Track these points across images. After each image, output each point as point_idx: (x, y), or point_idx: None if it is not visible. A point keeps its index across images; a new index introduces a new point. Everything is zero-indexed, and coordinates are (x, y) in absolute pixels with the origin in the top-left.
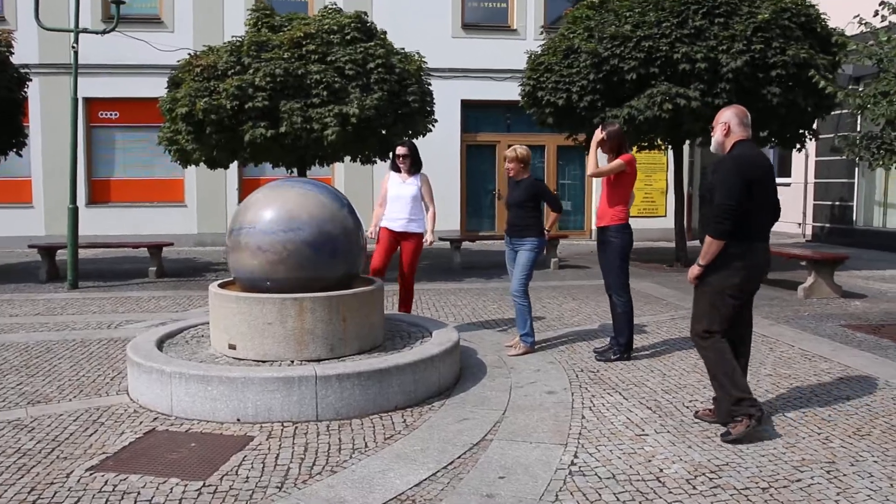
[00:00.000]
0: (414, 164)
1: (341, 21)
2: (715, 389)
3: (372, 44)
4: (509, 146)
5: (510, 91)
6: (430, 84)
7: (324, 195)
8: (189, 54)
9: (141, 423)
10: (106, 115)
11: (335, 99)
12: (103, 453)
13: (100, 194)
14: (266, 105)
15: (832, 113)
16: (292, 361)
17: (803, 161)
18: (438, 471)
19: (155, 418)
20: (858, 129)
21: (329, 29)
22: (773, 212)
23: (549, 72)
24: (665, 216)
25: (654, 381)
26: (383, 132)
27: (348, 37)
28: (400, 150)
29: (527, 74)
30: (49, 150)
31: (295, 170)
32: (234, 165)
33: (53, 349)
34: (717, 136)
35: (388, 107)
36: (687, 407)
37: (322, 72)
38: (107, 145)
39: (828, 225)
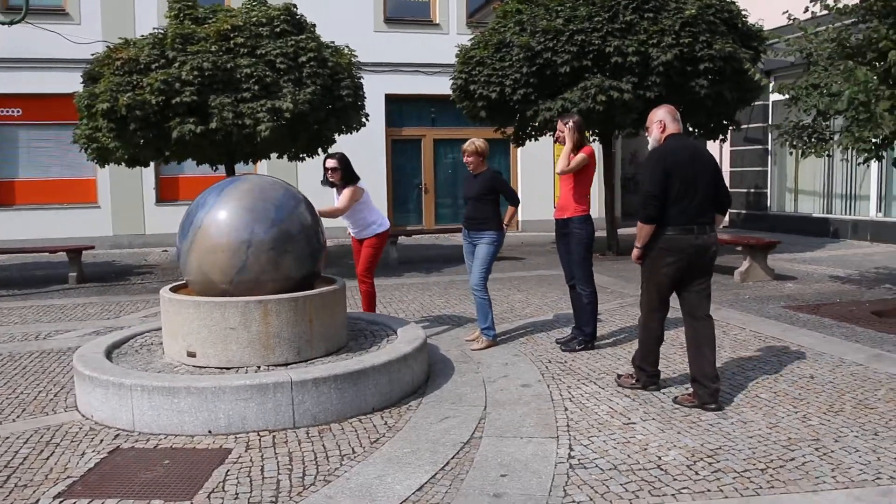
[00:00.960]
0: (345, 177)
1: (270, 13)
2: (635, 356)
3: (303, 37)
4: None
5: (434, 85)
6: (361, 78)
7: (280, 192)
8: (108, 46)
9: (101, 441)
10: (7, 111)
11: (267, 93)
12: (68, 477)
13: (3, 196)
14: (194, 100)
15: (752, 104)
16: (258, 367)
17: (717, 151)
18: (436, 473)
19: (116, 435)
20: (786, 118)
21: (258, 21)
22: (707, 200)
23: (481, 65)
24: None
25: (623, 369)
26: (315, 128)
27: (277, 29)
28: (329, 163)
29: (458, 68)
30: None
31: (220, 167)
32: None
33: None
34: (654, 133)
35: (321, 101)
36: (664, 393)
37: (252, 65)
38: (9, 144)
39: (744, 211)
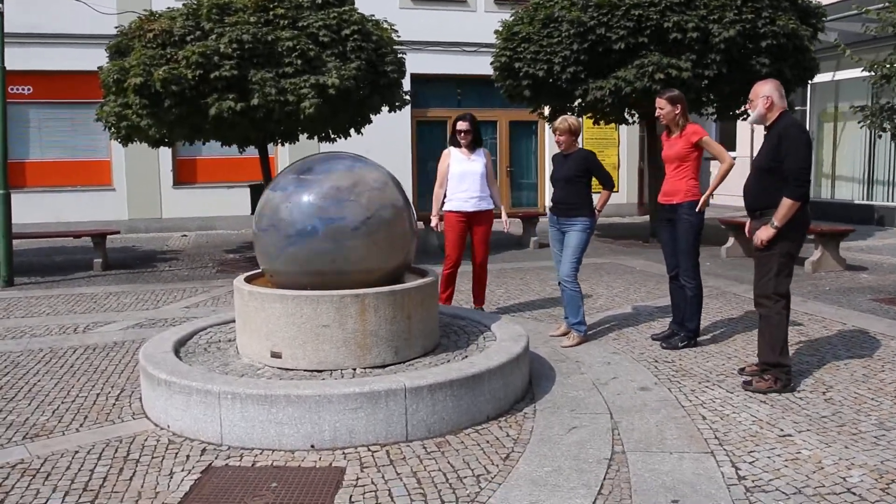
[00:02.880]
0: (476, 139)
1: None
2: (761, 349)
3: (345, 8)
4: (457, 119)
5: (461, 65)
6: (404, 54)
7: (371, 171)
8: (139, 17)
9: (188, 457)
10: (17, 89)
11: (310, 68)
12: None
13: (13, 178)
14: (234, 74)
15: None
16: (354, 370)
17: (749, 135)
18: (595, 499)
19: (203, 450)
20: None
21: None
22: None
23: (527, 42)
24: (617, 192)
25: (736, 368)
26: (355, 106)
27: (319, 0)
28: (461, 125)
29: (500, 45)
30: None
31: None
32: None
33: (21, 363)
34: (758, 109)
35: (365, 77)
36: (800, 398)
37: (295, 38)
38: (20, 123)
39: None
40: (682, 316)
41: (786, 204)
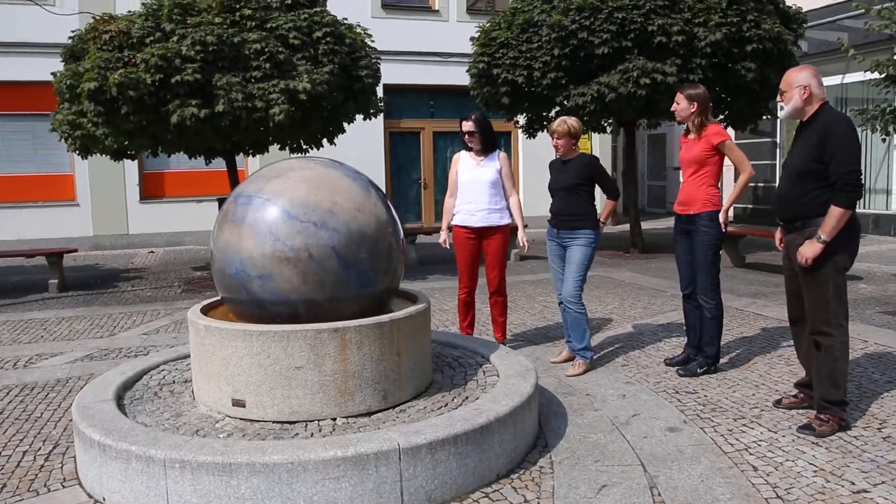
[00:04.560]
0: (486, 142)
1: None
2: (820, 385)
3: (317, 10)
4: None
5: (434, 75)
6: (378, 59)
7: (346, 178)
8: (94, 17)
9: None
10: None
11: (280, 72)
12: None
13: None
14: (197, 79)
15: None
16: (335, 419)
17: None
18: None
19: None
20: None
21: None
22: None
23: (505, 47)
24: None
25: (773, 398)
26: (327, 113)
27: (289, 1)
28: (466, 125)
29: (478, 51)
30: None
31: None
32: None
33: None
34: (794, 101)
35: (338, 82)
36: (855, 437)
37: (263, 40)
38: None
39: (750, 206)
40: (699, 339)
41: (835, 214)
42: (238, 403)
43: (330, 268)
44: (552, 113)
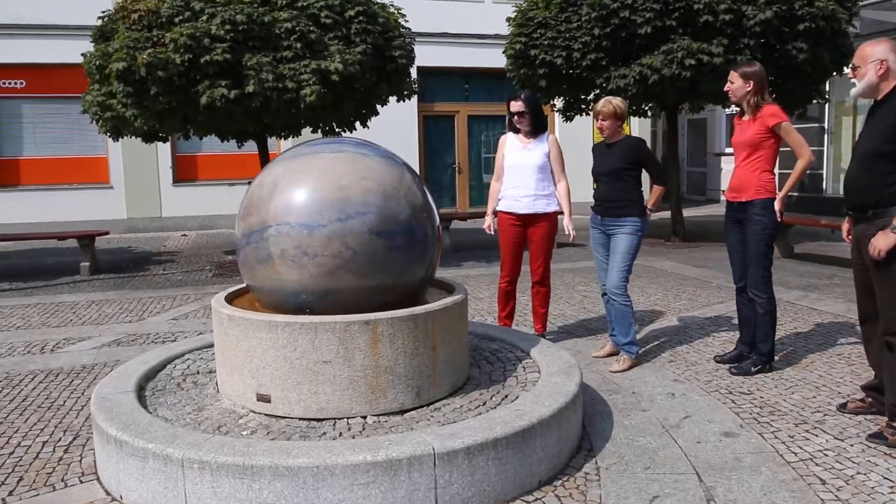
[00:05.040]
0: (536, 123)
1: None
2: (889, 389)
3: None
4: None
5: (468, 57)
6: (412, 40)
7: (383, 160)
8: None
9: None
10: (9, 83)
11: (311, 52)
12: None
13: (7, 176)
14: (227, 59)
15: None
16: (364, 417)
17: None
18: None
19: None
20: None
21: None
22: None
23: (543, 27)
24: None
25: (836, 401)
26: (360, 95)
27: None
28: (515, 105)
29: (514, 32)
30: None
31: (245, 143)
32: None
33: None
34: (869, 77)
35: (371, 63)
36: None
37: (294, 19)
38: (12, 119)
39: (796, 193)
40: (752, 335)
41: None
42: (263, 398)
43: (360, 256)
44: (591, 96)
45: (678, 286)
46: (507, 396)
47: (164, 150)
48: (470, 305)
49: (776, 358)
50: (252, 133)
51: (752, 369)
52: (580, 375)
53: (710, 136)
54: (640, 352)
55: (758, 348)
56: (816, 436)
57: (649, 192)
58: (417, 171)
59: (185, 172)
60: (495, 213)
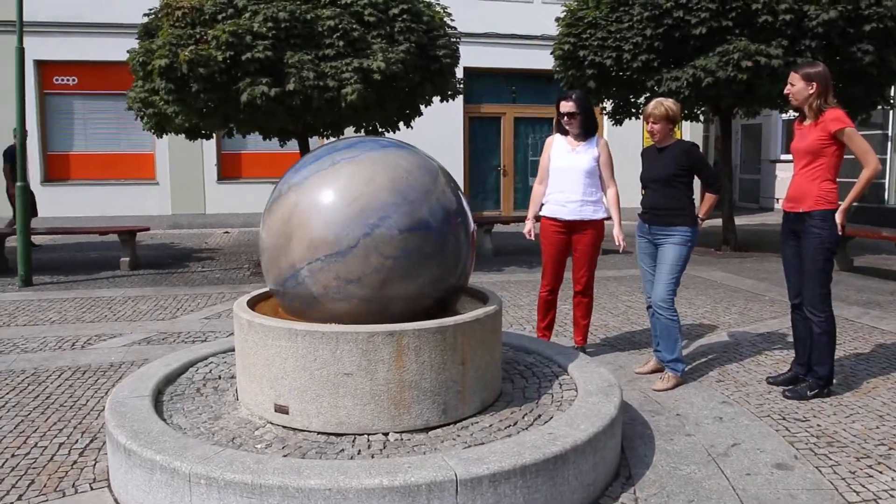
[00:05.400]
0: (586, 125)
1: None
2: None
3: None
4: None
5: (515, 58)
6: (458, 39)
7: (412, 161)
8: None
9: None
10: (62, 80)
11: (353, 51)
12: None
13: (57, 171)
14: (268, 56)
15: None
16: (386, 434)
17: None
18: None
19: None
20: None
21: None
22: None
23: (593, 27)
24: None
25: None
26: (404, 94)
27: None
28: (565, 105)
29: (563, 32)
30: None
31: (288, 143)
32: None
33: None
34: None
35: (415, 62)
36: None
37: (337, 17)
38: (64, 115)
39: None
40: (808, 355)
41: None
42: (281, 409)
43: (388, 262)
44: (641, 99)
45: (728, 298)
46: (539, 416)
47: (209, 147)
48: (509, 313)
49: (834, 382)
50: (294, 132)
51: (808, 393)
52: (620, 396)
53: (765, 141)
54: (686, 369)
55: (814, 371)
56: (881, 472)
57: (700, 200)
58: (462, 173)
59: (229, 170)
60: (537, 217)
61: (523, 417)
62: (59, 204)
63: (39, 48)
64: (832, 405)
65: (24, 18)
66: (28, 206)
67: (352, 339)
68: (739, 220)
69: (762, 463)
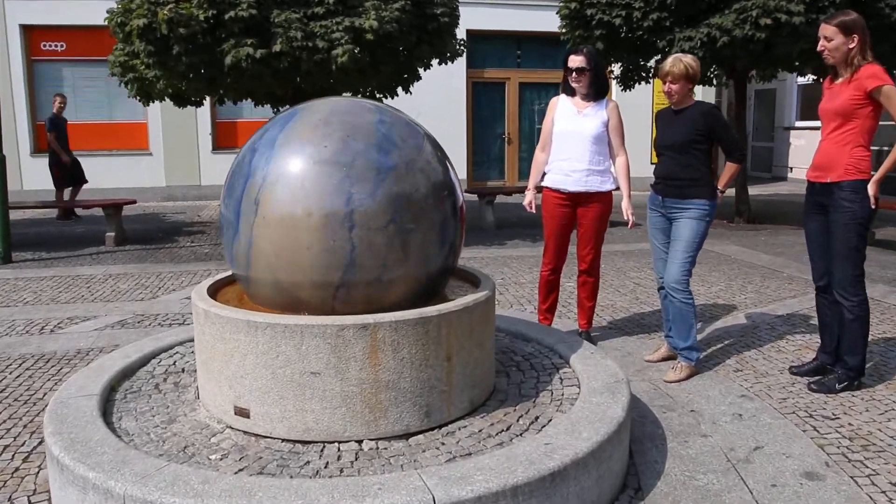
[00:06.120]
0: (596, 84)
1: None
2: None
3: None
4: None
5: (521, 20)
6: None
7: (395, 125)
8: None
9: None
10: (50, 46)
11: (344, 8)
12: None
13: (46, 141)
14: (252, 15)
15: None
16: (360, 442)
17: None
18: None
19: None
20: None
21: None
22: None
23: None
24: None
25: None
26: (402, 56)
27: None
28: (574, 59)
29: None
30: None
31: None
32: (206, 105)
33: None
34: None
35: (411, 21)
36: None
37: None
38: (52, 83)
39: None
40: (836, 343)
41: None
42: (242, 413)
43: (362, 240)
44: (651, 62)
45: (744, 275)
46: (536, 419)
47: (203, 116)
48: (509, 291)
49: (865, 372)
50: (284, 97)
51: (837, 386)
52: (628, 394)
53: (780, 107)
54: (700, 357)
55: (844, 361)
56: None
57: (720, 169)
58: (464, 141)
59: (224, 139)
60: (539, 188)
61: (518, 420)
62: (48, 176)
63: (25, 12)
64: (864, 400)
65: None
66: (4, 177)
67: (318, 333)
68: (752, 191)
69: (789, 472)
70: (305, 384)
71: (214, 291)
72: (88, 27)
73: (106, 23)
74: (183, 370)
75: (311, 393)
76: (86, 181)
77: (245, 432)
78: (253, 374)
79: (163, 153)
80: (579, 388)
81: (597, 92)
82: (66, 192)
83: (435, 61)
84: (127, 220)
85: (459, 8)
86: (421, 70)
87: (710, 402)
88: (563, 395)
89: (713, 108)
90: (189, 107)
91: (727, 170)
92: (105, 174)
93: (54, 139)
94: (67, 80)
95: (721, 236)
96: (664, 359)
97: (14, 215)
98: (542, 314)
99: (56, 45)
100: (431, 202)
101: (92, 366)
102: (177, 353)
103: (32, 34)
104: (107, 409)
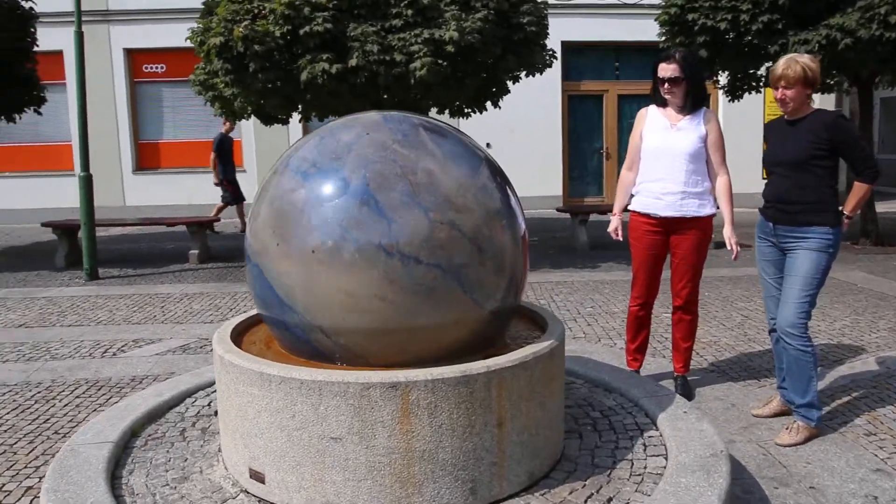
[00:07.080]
0: (694, 94)
1: None
2: None
3: None
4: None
5: (619, 30)
6: (545, 3)
7: (442, 142)
8: None
9: None
10: (151, 68)
11: (423, 20)
12: None
13: (147, 159)
14: (328, 30)
15: None
16: None
17: None
18: None
19: None
20: None
21: None
22: None
23: None
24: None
25: None
26: (486, 69)
27: None
28: (665, 68)
29: None
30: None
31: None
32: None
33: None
34: None
35: (494, 31)
36: None
37: None
38: (153, 103)
39: None
40: None
41: None
42: (256, 476)
43: (404, 278)
44: (762, 70)
45: (873, 308)
46: (609, 501)
47: (295, 133)
48: (598, 322)
49: None
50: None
51: None
52: (728, 474)
53: None
54: (821, 416)
55: None
56: None
57: (846, 191)
58: (560, 156)
59: None
60: (627, 212)
61: (586, 502)
62: (149, 193)
63: (127, 36)
64: None
65: (111, 7)
66: (90, 197)
67: (339, 392)
68: (880, 208)
69: None
70: (325, 450)
71: (247, 328)
72: (187, 49)
73: (190, 41)
74: (216, 413)
75: (331, 461)
76: (243, 199)
77: (260, 499)
78: (267, 433)
79: (256, 170)
80: (666, 458)
81: (693, 103)
82: (228, 208)
83: (523, 73)
84: (215, 238)
85: (551, 18)
86: (510, 83)
87: (834, 476)
88: (645, 467)
89: (839, 116)
90: (276, 124)
91: (855, 191)
92: (201, 190)
93: (216, 158)
94: (167, 101)
95: (845, 261)
96: (776, 414)
97: (113, 231)
98: (631, 355)
99: (157, 67)
100: (486, 233)
101: (120, 405)
102: (212, 392)
103: (135, 57)
104: (121, 459)
